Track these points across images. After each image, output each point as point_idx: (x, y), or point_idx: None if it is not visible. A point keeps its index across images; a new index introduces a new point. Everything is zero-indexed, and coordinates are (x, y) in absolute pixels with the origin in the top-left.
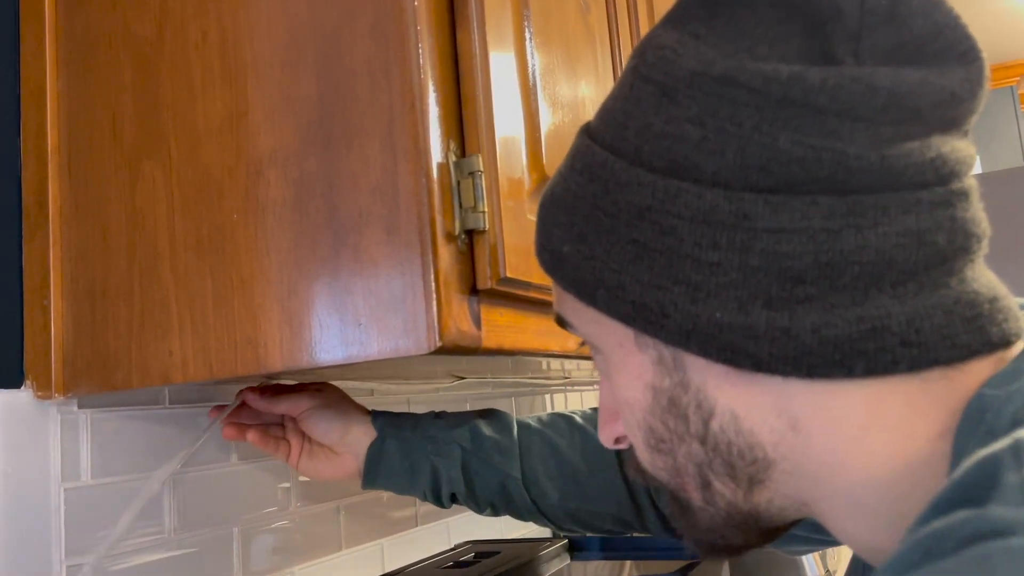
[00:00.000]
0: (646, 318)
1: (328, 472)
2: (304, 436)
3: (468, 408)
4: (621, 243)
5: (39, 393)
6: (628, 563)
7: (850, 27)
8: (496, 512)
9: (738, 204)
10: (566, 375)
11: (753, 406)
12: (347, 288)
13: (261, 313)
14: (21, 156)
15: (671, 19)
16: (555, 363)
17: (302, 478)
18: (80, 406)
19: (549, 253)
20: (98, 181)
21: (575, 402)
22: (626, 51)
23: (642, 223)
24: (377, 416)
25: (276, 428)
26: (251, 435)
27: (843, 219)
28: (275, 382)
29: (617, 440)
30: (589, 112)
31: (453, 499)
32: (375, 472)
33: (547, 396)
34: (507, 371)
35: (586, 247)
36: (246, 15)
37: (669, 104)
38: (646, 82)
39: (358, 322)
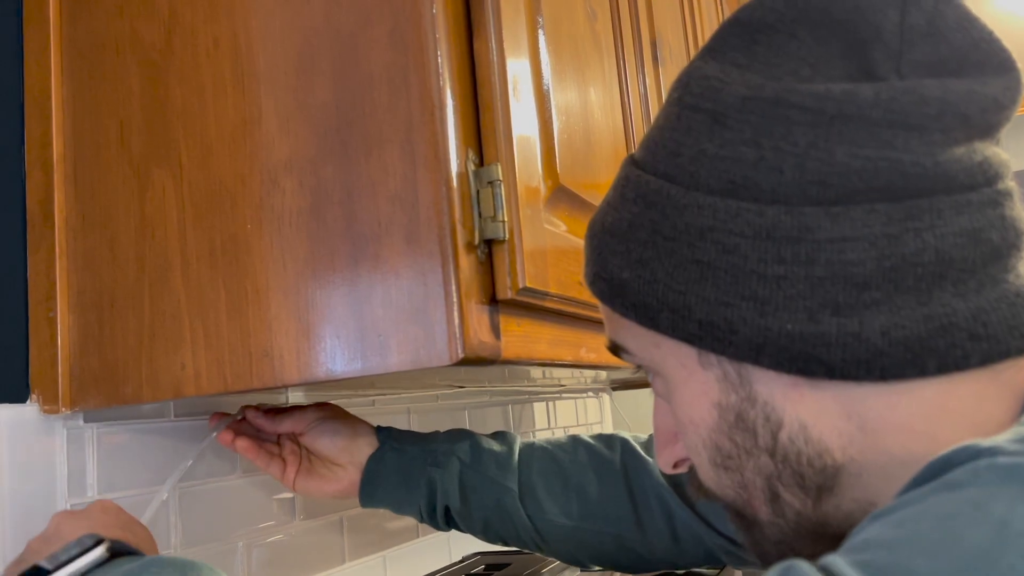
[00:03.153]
0: (713, 336)
1: (327, 488)
2: (302, 455)
3: (466, 416)
4: (684, 265)
5: (45, 407)
6: None
7: (891, 45)
8: (488, 532)
9: (799, 218)
10: (560, 384)
11: (822, 413)
12: (366, 298)
13: (277, 324)
14: (26, 165)
15: (710, 51)
16: (549, 372)
17: None
18: (86, 420)
19: (606, 282)
20: (105, 190)
21: (567, 409)
22: (629, 57)
23: (704, 243)
24: (381, 429)
25: (271, 445)
26: (240, 443)
27: (901, 224)
28: (276, 405)
29: (676, 464)
30: (599, 118)
31: (447, 516)
32: (373, 484)
33: (542, 404)
34: (503, 380)
35: (647, 272)
36: (259, 21)
37: (721, 129)
38: (695, 111)
39: (377, 333)
